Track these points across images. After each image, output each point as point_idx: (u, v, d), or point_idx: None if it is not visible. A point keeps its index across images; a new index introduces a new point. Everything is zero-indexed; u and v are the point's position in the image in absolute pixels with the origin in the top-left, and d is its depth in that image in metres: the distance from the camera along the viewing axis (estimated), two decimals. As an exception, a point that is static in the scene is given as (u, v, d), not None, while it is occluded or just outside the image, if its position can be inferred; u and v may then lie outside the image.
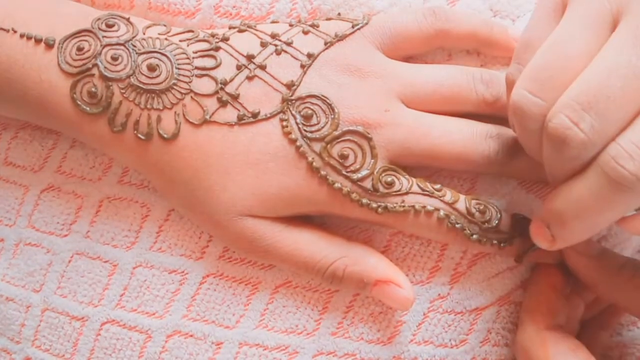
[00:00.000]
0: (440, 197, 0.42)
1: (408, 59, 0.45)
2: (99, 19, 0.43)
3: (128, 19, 0.44)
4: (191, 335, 0.45)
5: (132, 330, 0.45)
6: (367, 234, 0.45)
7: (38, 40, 0.43)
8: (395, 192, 0.42)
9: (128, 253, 0.46)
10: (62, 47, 0.42)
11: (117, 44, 0.42)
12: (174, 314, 0.45)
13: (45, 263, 0.47)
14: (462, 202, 0.43)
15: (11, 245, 0.47)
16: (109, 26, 0.43)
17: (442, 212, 0.42)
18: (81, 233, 0.46)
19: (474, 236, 0.42)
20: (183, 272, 0.45)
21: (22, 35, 0.43)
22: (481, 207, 0.43)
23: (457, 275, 0.45)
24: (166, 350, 0.45)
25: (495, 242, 0.43)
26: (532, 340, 0.42)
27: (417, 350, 0.45)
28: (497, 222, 0.43)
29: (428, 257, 0.45)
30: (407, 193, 0.42)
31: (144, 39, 0.43)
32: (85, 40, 0.42)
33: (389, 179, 0.42)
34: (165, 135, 0.42)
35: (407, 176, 0.43)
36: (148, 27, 0.44)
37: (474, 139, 0.43)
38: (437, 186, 0.43)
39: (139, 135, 0.42)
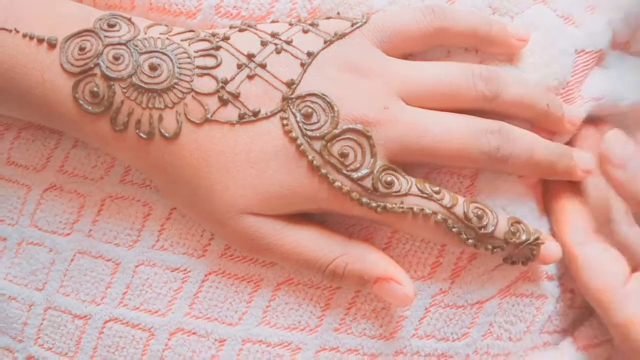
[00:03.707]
0: (439, 200, 0.42)
1: (407, 56, 0.46)
2: (100, 18, 0.43)
3: (129, 19, 0.44)
4: (194, 333, 0.45)
5: (134, 328, 0.45)
6: (368, 230, 0.45)
7: (40, 40, 0.42)
8: (394, 192, 0.42)
9: (130, 251, 0.46)
10: (64, 47, 0.42)
11: (119, 43, 0.42)
12: (177, 311, 0.45)
13: (48, 262, 0.47)
14: (460, 206, 0.43)
15: (14, 244, 0.48)
16: (111, 26, 0.43)
17: (439, 216, 0.42)
18: (83, 232, 0.46)
19: (470, 241, 0.43)
20: (185, 270, 0.45)
21: (24, 35, 0.43)
22: (479, 212, 0.43)
23: (458, 269, 0.45)
24: (169, 348, 0.45)
25: (489, 247, 0.43)
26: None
27: (419, 344, 0.45)
28: (493, 228, 0.43)
29: (429, 252, 0.45)
30: (406, 194, 0.42)
31: (145, 39, 0.43)
32: (87, 40, 0.42)
33: (389, 179, 0.42)
34: (166, 135, 0.42)
35: (406, 176, 0.43)
36: (149, 26, 0.44)
37: (473, 135, 0.43)
38: (436, 188, 0.43)
39: (141, 135, 0.42)
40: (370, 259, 0.43)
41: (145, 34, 0.43)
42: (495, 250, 0.43)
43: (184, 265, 0.45)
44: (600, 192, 0.47)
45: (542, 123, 0.46)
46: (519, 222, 0.44)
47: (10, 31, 0.43)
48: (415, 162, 0.44)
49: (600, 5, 0.48)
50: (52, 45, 0.42)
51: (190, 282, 0.45)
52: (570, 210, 0.46)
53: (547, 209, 0.48)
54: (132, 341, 0.45)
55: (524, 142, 0.44)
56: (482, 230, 0.43)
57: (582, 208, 0.47)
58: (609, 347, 0.48)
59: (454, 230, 0.42)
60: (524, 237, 0.43)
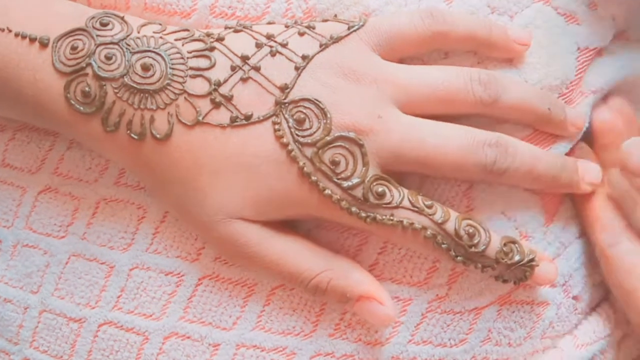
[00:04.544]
0: (430, 215, 0.42)
1: (404, 58, 0.45)
2: (93, 17, 0.43)
3: (122, 18, 0.43)
4: (188, 337, 0.45)
5: (129, 332, 0.45)
6: (363, 235, 0.44)
7: (32, 40, 0.42)
8: (385, 204, 0.41)
9: (124, 255, 0.46)
10: (56, 46, 0.42)
11: (111, 43, 0.42)
12: (171, 315, 0.45)
13: (43, 264, 0.47)
14: (451, 222, 0.42)
15: (9, 246, 0.48)
16: (103, 25, 0.43)
17: (429, 232, 0.42)
18: (78, 235, 0.46)
19: (459, 258, 0.42)
20: (179, 273, 0.45)
21: (16, 34, 0.43)
22: (471, 230, 0.42)
23: (455, 275, 0.45)
24: (163, 352, 0.45)
25: (479, 265, 0.42)
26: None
27: (415, 350, 0.45)
28: (484, 247, 0.42)
29: (425, 257, 0.44)
30: (397, 207, 0.42)
31: (138, 38, 0.42)
32: (80, 39, 0.42)
33: (380, 190, 0.41)
34: (158, 136, 0.41)
35: (399, 188, 0.42)
36: (143, 25, 0.43)
37: (471, 147, 0.42)
38: (429, 202, 0.42)
39: (132, 135, 0.42)
40: (354, 277, 0.43)
41: (139, 32, 0.43)
42: (485, 269, 0.43)
43: (178, 269, 0.45)
44: (624, 183, 0.46)
45: (544, 127, 0.46)
46: (513, 242, 0.43)
47: (3, 30, 0.43)
48: (408, 172, 0.43)
49: (602, 0, 0.47)
50: (44, 44, 0.42)
51: (184, 286, 0.45)
52: (599, 209, 0.46)
53: (575, 206, 0.48)
54: (126, 345, 0.45)
55: (524, 155, 0.43)
56: (473, 249, 0.42)
57: (611, 205, 0.46)
58: (606, 342, 0.49)
59: (443, 246, 0.42)
60: (516, 258, 0.43)
